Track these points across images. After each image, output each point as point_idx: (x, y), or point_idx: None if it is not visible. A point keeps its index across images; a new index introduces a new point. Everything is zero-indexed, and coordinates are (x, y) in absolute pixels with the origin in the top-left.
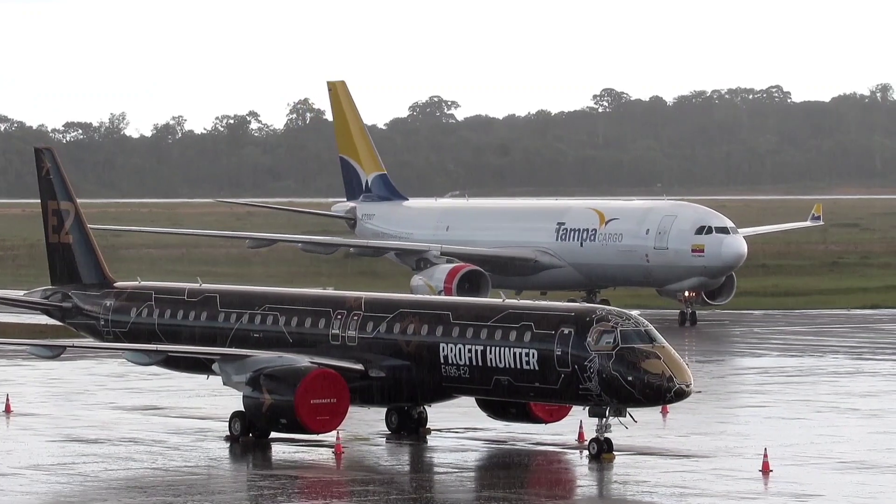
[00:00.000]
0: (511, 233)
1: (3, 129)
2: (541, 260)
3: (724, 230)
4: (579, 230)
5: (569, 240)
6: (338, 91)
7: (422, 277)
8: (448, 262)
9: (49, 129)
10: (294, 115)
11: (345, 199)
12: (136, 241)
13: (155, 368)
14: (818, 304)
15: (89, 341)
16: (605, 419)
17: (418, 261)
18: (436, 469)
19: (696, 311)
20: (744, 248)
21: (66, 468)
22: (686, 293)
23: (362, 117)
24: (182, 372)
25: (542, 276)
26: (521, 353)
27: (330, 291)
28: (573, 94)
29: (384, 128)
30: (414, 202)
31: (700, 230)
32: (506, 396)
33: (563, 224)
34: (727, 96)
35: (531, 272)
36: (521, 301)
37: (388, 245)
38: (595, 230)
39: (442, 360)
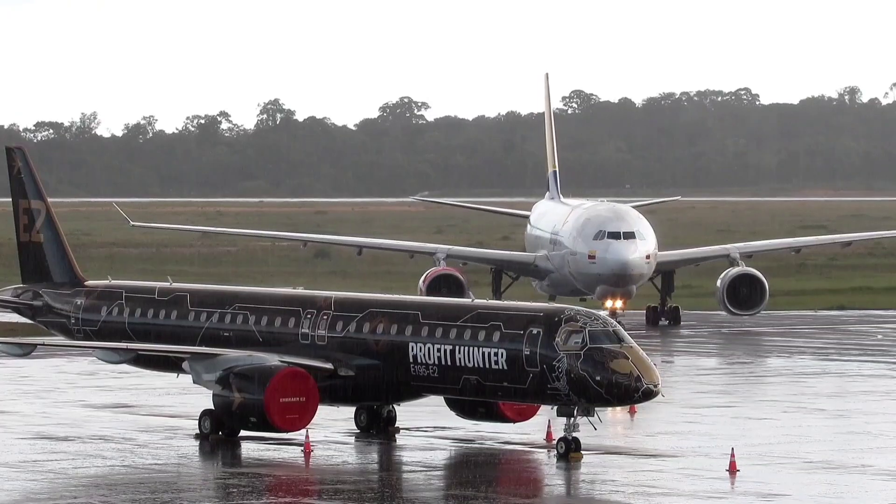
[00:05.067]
0: (546, 234)
1: None
2: (541, 265)
3: (616, 235)
4: (555, 233)
5: (554, 244)
6: (545, 84)
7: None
8: (438, 264)
9: (20, 129)
10: (264, 116)
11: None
12: (107, 239)
13: (125, 367)
14: (785, 305)
15: (60, 340)
16: (573, 419)
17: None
18: (404, 468)
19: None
20: (630, 255)
21: (36, 465)
22: (610, 304)
23: (334, 119)
24: (152, 370)
25: (548, 281)
26: (489, 353)
27: (300, 291)
28: (543, 95)
29: (354, 128)
30: (567, 201)
31: (597, 235)
32: (475, 396)
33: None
34: (696, 98)
35: (542, 276)
36: (491, 301)
37: (399, 247)
38: (557, 233)
39: (411, 360)
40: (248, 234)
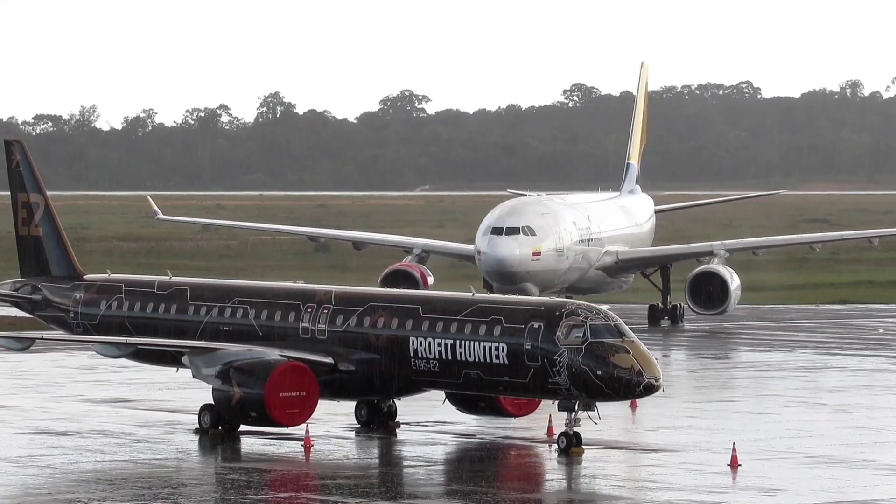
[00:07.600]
0: None
1: None
2: None
3: (498, 231)
4: None
5: None
6: (639, 73)
7: None
8: (411, 259)
9: (19, 122)
10: (264, 109)
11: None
12: (106, 233)
13: (124, 361)
14: (787, 299)
15: (59, 334)
16: (574, 413)
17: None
18: (405, 463)
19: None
20: (507, 252)
21: (35, 460)
22: None
23: (334, 112)
24: (152, 365)
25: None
26: (490, 347)
27: (300, 285)
28: (543, 88)
29: (355, 121)
30: (610, 193)
31: (486, 231)
32: (475, 390)
33: None
34: (697, 92)
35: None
36: (491, 295)
37: (378, 240)
38: None
39: (412, 354)
40: (266, 230)
